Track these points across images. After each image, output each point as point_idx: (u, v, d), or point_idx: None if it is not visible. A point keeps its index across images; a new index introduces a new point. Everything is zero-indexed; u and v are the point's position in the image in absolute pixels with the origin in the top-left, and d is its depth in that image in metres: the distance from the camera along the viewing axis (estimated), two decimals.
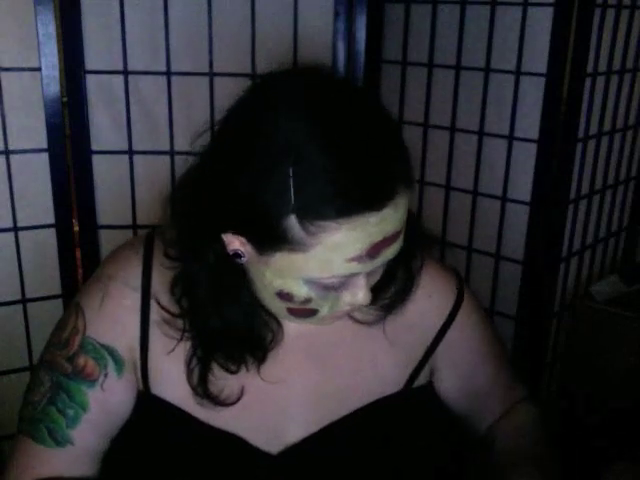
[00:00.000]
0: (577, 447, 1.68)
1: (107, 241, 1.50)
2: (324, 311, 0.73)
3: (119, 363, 0.79)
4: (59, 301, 1.50)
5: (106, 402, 0.79)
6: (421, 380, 0.88)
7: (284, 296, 0.71)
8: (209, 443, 0.79)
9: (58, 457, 0.78)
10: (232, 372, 0.78)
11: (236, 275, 0.74)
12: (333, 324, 0.80)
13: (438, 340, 0.88)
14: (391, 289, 0.83)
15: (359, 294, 0.71)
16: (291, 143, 0.63)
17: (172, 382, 0.80)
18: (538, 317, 1.65)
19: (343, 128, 0.64)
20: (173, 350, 0.79)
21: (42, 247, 1.46)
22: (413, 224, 0.76)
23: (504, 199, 1.61)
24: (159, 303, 0.79)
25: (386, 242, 0.67)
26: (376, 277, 0.75)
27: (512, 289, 1.64)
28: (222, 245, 0.71)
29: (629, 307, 1.65)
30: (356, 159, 0.63)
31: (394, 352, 0.85)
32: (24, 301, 1.48)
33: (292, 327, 0.83)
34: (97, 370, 0.78)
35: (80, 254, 1.52)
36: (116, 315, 0.80)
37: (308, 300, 0.71)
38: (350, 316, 0.83)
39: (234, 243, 0.70)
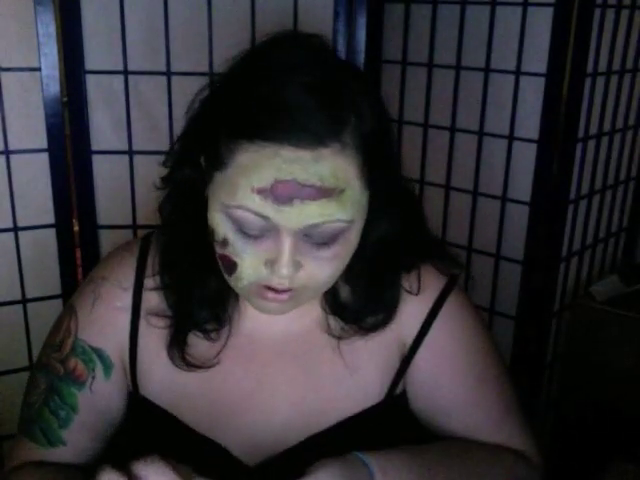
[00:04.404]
0: (577, 447, 1.69)
1: (107, 241, 1.50)
2: (244, 269, 0.70)
3: (107, 366, 0.81)
4: (59, 301, 1.50)
5: (95, 404, 0.81)
6: (401, 387, 0.84)
7: (211, 235, 0.72)
8: (191, 448, 0.79)
9: (51, 456, 0.81)
10: (207, 333, 0.80)
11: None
12: (313, 330, 0.80)
13: (415, 347, 0.83)
14: (376, 313, 0.81)
15: (281, 260, 0.67)
16: (249, 74, 0.70)
17: (160, 384, 0.81)
18: (538, 317, 1.65)
19: (294, 70, 0.67)
20: (162, 347, 0.80)
21: (42, 247, 1.46)
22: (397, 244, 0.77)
23: (504, 199, 1.61)
24: (147, 287, 0.82)
25: (296, 189, 0.64)
26: (318, 265, 0.70)
27: (512, 289, 1.64)
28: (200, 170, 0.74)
29: (629, 307, 1.65)
30: (291, 96, 0.65)
31: (375, 361, 0.82)
32: (24, 301, 1.48)
33: (280, 329, 0.82)
34: (86, 372, 0.80)
35: (80, 254, 1.52)
36: (107, 318, 0.82)
37: (225, 242, 0.70)
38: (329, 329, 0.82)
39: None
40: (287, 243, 0.67)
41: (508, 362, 1.64)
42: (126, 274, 0.83)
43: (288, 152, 0.64)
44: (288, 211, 0.65)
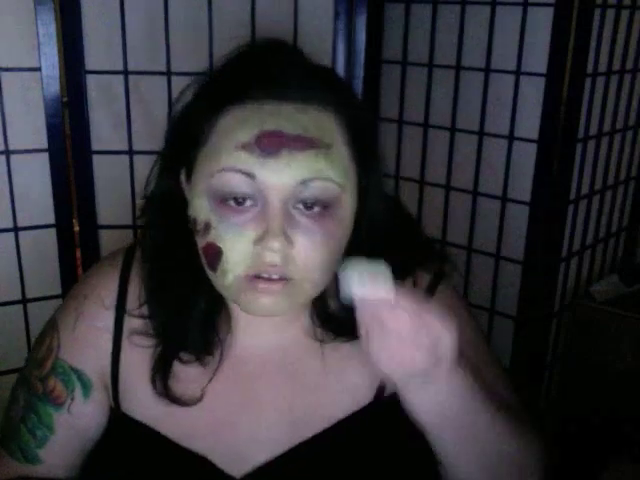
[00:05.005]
0: (577, 447, 1.69)
1: (107, 241, 1.51)
2: (230, 256, 0.67)
3: (87, 386, 0.80)
4: (59, 301, 1.49)
5: (73, 424, 0.80)
6: (390, 389, 0.79)
7: (192, 225, 0.70)
8: (175, 462, 0.78)
9: (29, 472, 0.80)
10: (192, 362, 0.77)
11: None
12: (300, 339, 0.79)
13: None
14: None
15: (270, 231, 0.64)
16: (231, 61, 0.72)
17: (142, 400, 0.79)
18: (538, 317, 1.65)
19: (277, 53, 0.72)
20: (144, 363, 0.78)
21: (42, 247, 1.46)
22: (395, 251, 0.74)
23: (504, 199, 1.61)
24: (131, 314, 0.79)
25: (282, 139, 0.64)
26: (310, 242, 0.67)
27: (512, 289, 1.64)
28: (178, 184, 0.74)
29: (629, 307, 1.65)
30: (275, 66, 0.69)
31: (362, 364, 0.77)
32: (24, 301, 1.48)
33: (264, 340, 0.80)
34: (65, 393, 0.79)
35: (80, 254, 1.53)
36: (88, 337, 0.80)
37: (208, 226, 0.67)
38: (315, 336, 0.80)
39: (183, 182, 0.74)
40: (276, 209, 0.65)
41: (508, 362, 1.64)
42: (108, 290, 0.80)
43: (272, 106, 0.66)
44: (275, 164, 0.64)
